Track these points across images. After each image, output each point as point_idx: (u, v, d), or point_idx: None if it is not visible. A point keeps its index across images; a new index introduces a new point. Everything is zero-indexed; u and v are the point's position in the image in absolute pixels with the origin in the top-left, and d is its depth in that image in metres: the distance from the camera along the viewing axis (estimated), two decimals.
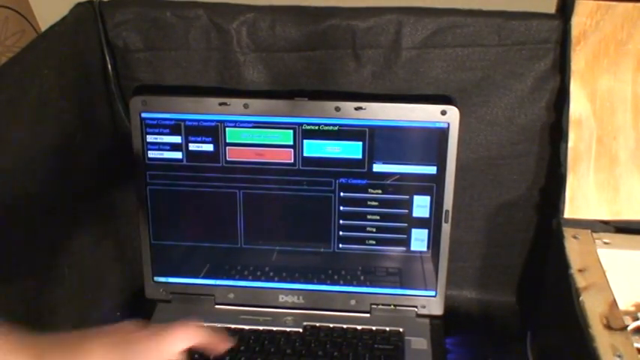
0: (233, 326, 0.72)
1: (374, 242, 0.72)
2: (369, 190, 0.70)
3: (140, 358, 0.44)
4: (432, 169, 0.69)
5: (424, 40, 0.66)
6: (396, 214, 0.71)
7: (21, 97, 0.56)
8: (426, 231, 0.71)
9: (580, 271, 0.58)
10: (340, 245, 0.73)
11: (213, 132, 0.69)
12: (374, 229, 0.72)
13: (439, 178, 0.69)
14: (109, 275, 0.73)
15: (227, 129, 0.69)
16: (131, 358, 0.44)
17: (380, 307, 0.74)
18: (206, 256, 0.75)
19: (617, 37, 0.63)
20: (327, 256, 0.73)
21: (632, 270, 0.62)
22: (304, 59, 0.68)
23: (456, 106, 0.66)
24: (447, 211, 0.70)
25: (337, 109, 0.67)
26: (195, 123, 0.69)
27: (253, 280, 0.75)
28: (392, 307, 0.74)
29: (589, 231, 0.64)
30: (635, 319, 0.61)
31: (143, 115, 0.69)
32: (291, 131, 0.68)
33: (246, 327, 0.72)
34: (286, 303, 0.75)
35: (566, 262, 0.59)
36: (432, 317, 0.73)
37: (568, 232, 0.63)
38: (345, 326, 0.72)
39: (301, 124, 0.68)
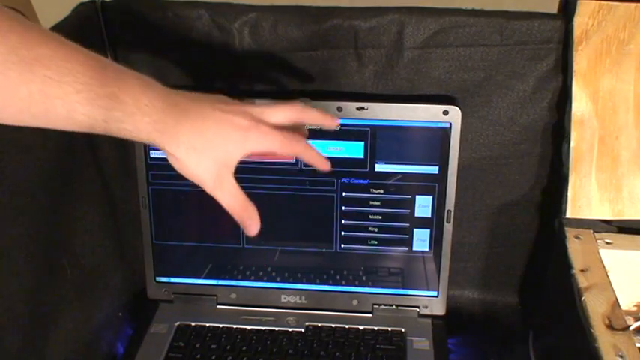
0: (235, 326, 0.72)
1: (376, 242, 0.72)
2: (371, 190, 0.70)
3: (222, 148, 0.48)
4: (434, 169, 0.69)
5: (426, 40, 0.66)
6: (398, 214, 0.71)
7: None
8: (428, 231, 0.71)
9: (582, 271, 0.58)
10: (342, 245, 0.73)
11: None
12: (376, 229, 0.72)
13: (441, 178, 0.69)
14: (111, 275, 0.73)
15: None
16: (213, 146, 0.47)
17: (382, 307, 0.74)
18: (208, 256, 0.75)
19: (618, 37, 0.63)
20: (330, 256, 0.73)
21: (634, 270, 0.63)
22: (306, 59, 0.68)
23: (458, 106, 0.66)
24: (449, 211, 0.70)
25: (339, 109, 0.67)
26: None
27: (255, 280, 0.75)
28: (394, 307, 0.74)
29: (591, 231, 0.64)
30: (637, 319, 0.62)
31: None
32: None
33: (248, 327, 0.72)
34: (288, 303, 0.75)
35: (568, 262, 0.59)
36: (434, 317, 0.74)
37: (570, 232, 0.63)
38: (347, 326, 0.72)
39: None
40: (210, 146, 0.47)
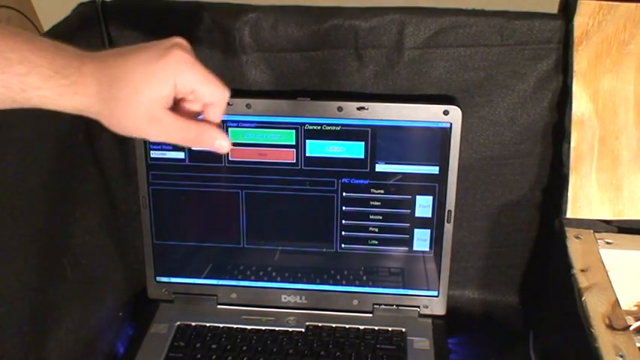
0: (235, 326, 0.72)
1: (376, 242, 0.72)
2: (372, 190, 0.70)
3: (129, 95, 0.42)
4: (434, 169, 0.69)
5: (427, 40, 0.66)
6: (398, 214, 0.71)
7: None
8: (428, 231, 0.71)
9: (582, 271, 0.58)
10: (343, 245, 0.73)
11: None
12: (376, 229, 0.72)
13: (441, 178, 0.69)
14: (112, 275, 0.73)
15: (229, 129, 0.69)
16: (118, 93, 0.42)
17: (382, 307, 0.74)
18: (208, 256, 0.75)
19: (619, 37, 0.63)
20: (330, 256, 0.73)
21: (634, 270, 0.62)
22: (307, 59, 0.68)
23: (459, 106, 0.66)
24: (449, 211, 0.70)
25: (340, 109, 0.67)
26: None
27: (256, 280, 0.75)
28: (394, 307, 0.74)
29: (591, 231, 0.64)
30: (638, 319, 0.61)
31: None
32: (294, 131, 0.68)
33: (249, 327, 0.72)
34: (289, 303, 0.75)
35: (569, 262, 0.59)
36: (434, 317, 0.74)
37: (570, 232, 0.63)
38: (347, 326, 0.72)
39: (304, 124, 0.68)
40: (132, 89, 0.42)
